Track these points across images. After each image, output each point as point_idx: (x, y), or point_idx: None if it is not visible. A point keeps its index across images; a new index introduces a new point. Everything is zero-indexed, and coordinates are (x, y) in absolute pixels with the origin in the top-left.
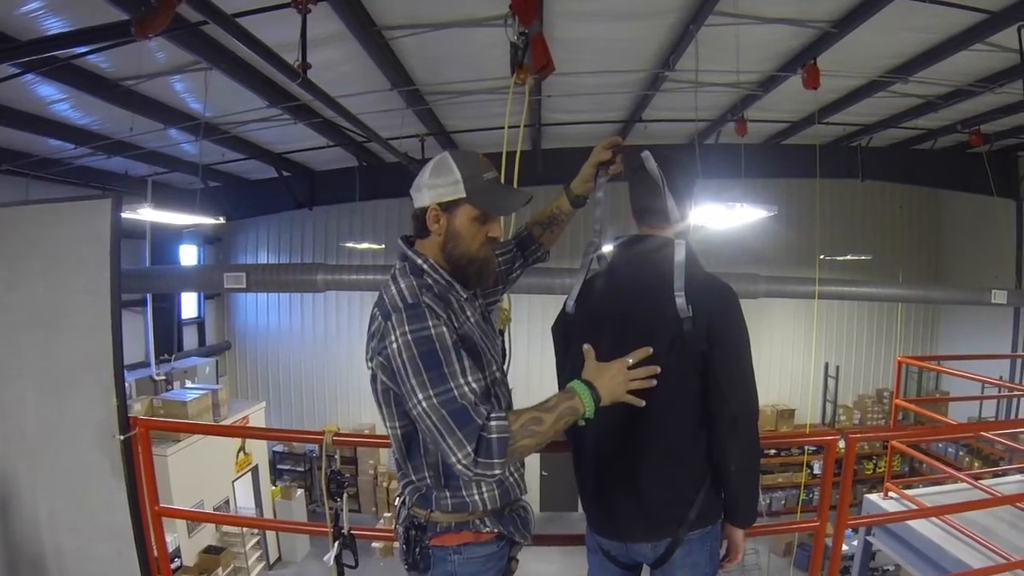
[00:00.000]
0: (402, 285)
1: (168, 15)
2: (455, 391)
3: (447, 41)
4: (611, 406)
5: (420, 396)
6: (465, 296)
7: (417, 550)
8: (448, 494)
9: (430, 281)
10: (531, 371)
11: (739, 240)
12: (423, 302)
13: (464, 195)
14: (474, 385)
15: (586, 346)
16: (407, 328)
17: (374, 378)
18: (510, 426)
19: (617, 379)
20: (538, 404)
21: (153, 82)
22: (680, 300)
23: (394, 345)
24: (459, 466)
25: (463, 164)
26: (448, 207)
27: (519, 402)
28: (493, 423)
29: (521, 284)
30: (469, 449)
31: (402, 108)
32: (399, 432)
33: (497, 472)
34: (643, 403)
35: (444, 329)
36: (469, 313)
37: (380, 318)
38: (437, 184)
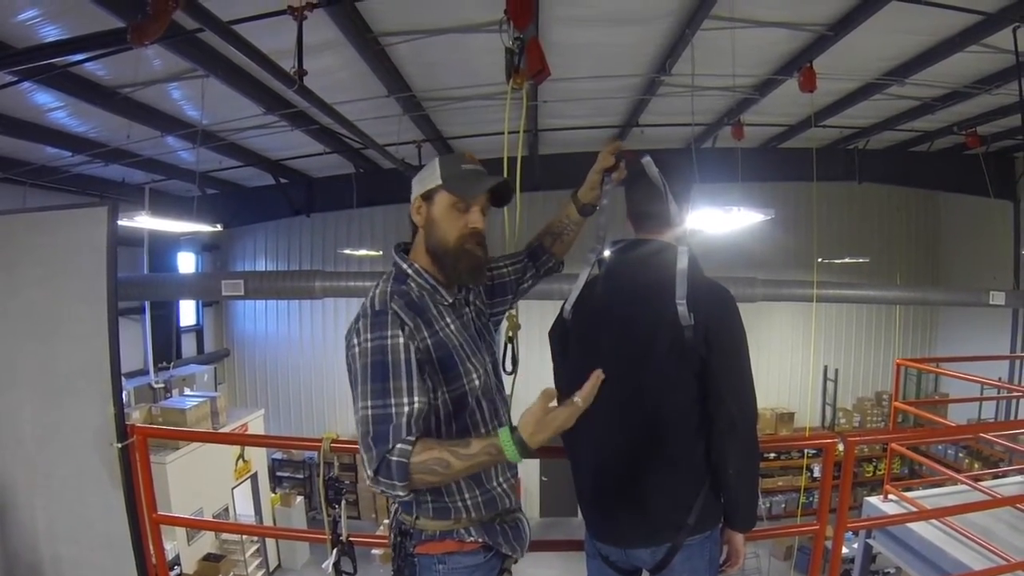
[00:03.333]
0: (376, 291)
1: (164, 22)
2: (392, 408)
3: (443, 47)
4: (609, 410)
5: (360, 404)
6: (449, 301)
7: (402, 557)
8: (430, 498)
9: (413, 285)
10: (529, 377)
11: (736, 244)
12: (390, 308)
13: (440, 182)
14: (416, 405)
15: (547, 389)
16: (368, 336)
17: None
18: (411, 456)
19: (536, 417)
20: (459, 443)
21: (150, 89)
22: (682, 308)
23: (355, 350)
24: (368, 480)
25: (446, 159)
26: (427, 196)
27: (515, 409)
28: (397, 447)
29: None
30: (374, 467)
31: (399, 114)
32: None
33: (400, 493)
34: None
35: (401, 341)
36: (449, 320)
37: (353, 321)
38: (421, 179)
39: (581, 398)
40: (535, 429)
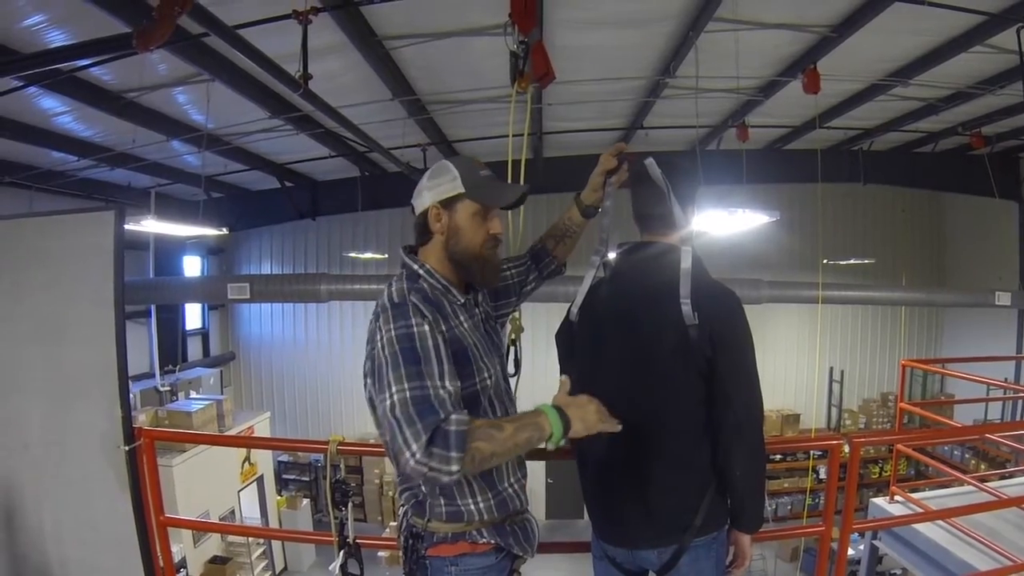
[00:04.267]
0: (393, 288)
1: (169, 27)
2: (430, 389)
3: (447, 51)
4: (616, 411)
5: (394, 389)
6: (462, 301)
7: (414, 560)
8: (443, 502)
9: (424, 285)
10: (535, 379)
11: (741, 246)
12: (409, 301)
13: (463, 190)
14: (449, 388)
15: (563, 377)
16: (392, 326)
17: (366, 385)
18: (470, 422)
19: (590, 409)
20: (511, 418)
21: (155, 94)
22: (687, 307)
23: (380, 342)
24: (412, 461)
25: (460, 164)
26: (448, 204)
27: (523, 409)
28: (454, 417)
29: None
30: (424, 439)
31: (403, 118)
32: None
33: (454, 468)
34: (618, 428)
35: (427, 328)
36: (463, 318)
37: (373, 318)
38: (436, 184)
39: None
40: (576, 406)
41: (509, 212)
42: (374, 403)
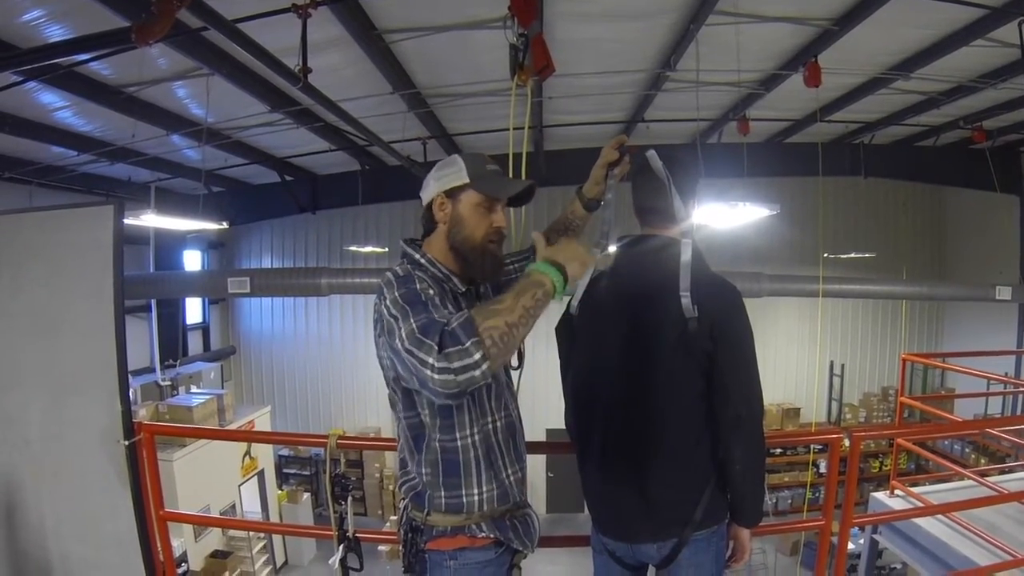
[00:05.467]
0: (397, 267)
1: (168, 22)
2: (434, 315)
3: (447, 44)
4: (616, 405)
5: (402, 326)
6: (462, 290)
7: (413, 553)
8: (444, 493)
9: (426, 276)
10: (536, 372)
11: (742, 239)
12: (413, 275)
13: (467, 180)
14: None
15: (534, 233)
16: (396, 291)
17: (383, 366)
18: (473, 313)
19: (575, 248)
20: (507, 293)
21: (155, 88)
22: (686, 300)
23: (386, 307)
24: (436, 375)
25: (467, 157)
26: (452, 194)
27: (524, 405)
28: (453, 317)
29: None
30: (435, 349)
31: (404, 111)
32: (405, 423)
33: (478, 356)
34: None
35: (431, 290)
36: (464, 306)
37: (375, 300)
38: (443, 175)
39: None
40: (559, 252)
41: (512, 208)
42: (398, 377)
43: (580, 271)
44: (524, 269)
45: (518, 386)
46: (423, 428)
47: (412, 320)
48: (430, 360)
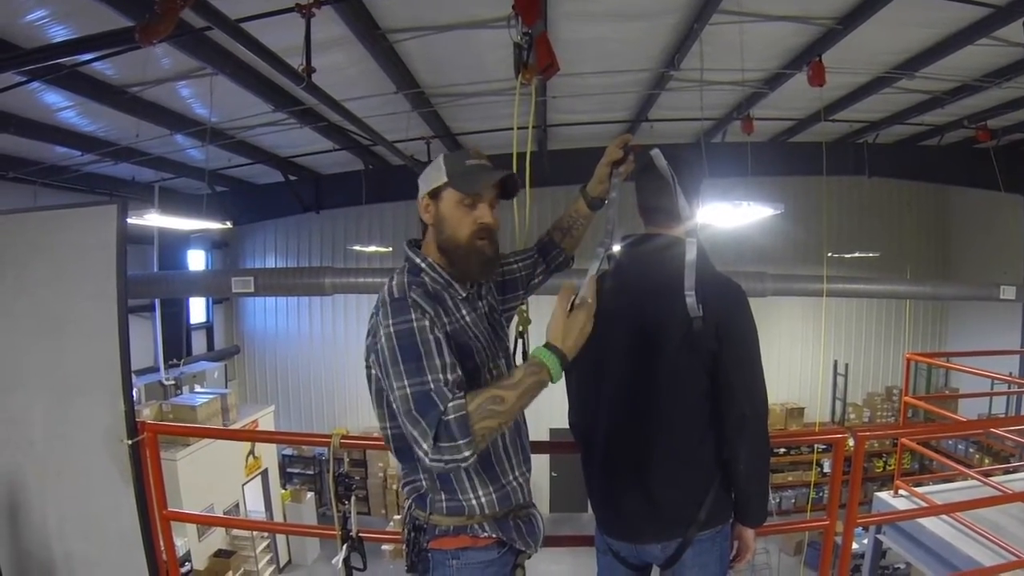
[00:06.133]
0: (394, 282)
1: (171, 21)
2: (430, 384)
3: (451, 43)
4: (620, 405)
5: (396, 386)
6: (463, 295)
7: (416, 552)
8: (444, 496)
9: (426, 279)
10: None
11: (746, 238)
12: (409, 297)
13: (446, 179)
14: (451, 377)
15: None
16: (391, 321)
17: (369, 378)
18: (467, 405)
19: (577, 328)
20: (501, 380)
21: (159, 88)
22: (691, 299)
23: (381, 339)
24: (427, 459)
25: (451, 156)
26: (434, 194)
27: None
28: (451, 405)
29: None
30: (431, 437)
31: (407, 111)
32: (390, 433)
33: (467, 455)
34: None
35: (427, 323)
36: (464, 312)
37: (373, 314)
38: (427, 177)
39: (587, 295)
40: (564, 334)
41: (514, 206)
42: (380, 391)
43: (576, 350)
44: (531, 269)
45: None
46: (404, 439)
47: (406, 383)
48: (424, 446)
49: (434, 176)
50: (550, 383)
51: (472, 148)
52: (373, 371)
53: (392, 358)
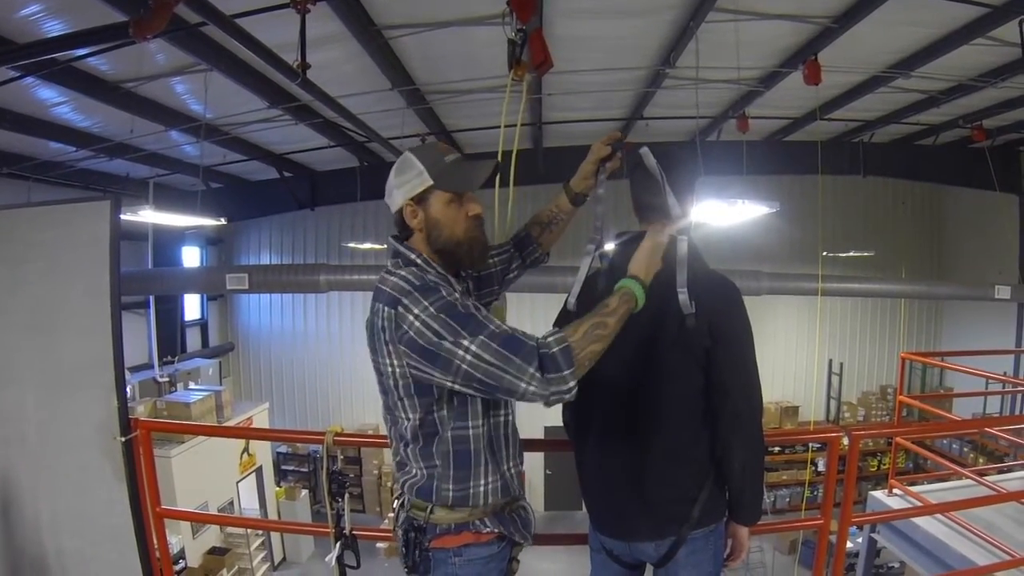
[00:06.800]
0: (401, 273)
1: (165, 17)
2: (498, 328)
3: (447, 40)
4: (614, 403)
5: (467, 344)
6: (458, 291)
7: (417, 553)
8: (451, 485)
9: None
10: None
11: (741, 237)
12: (429, 281)
13: (431, 182)
14: (505, 326)
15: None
16: (425, 303)
17: (391, 374)
18: (568, 337)
19: (656, 258)
20: (598, 309)
21: (153, 84)
22: (683, 296)
23: (416, 324)
24: (531, 391)
25: (423, 155)
26: (420, 199)
27: (519, 409)
28: (550, 339)
29: (522, 283)
30: (533, 369)
31: (402, 108)
32: (418, 422)
33: (572, 385)
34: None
35: (458, 295)
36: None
37: (386, 308)
38: (404, 181)
39: (661, 237)
40: (647, 268)
41: (496, 203)
42: (407, 384)
43: (658, 264)
44: (507, 264)
45: None
46: (436, 425)
47: (479, 335)
48: (525, 378)
49: (415, 181)
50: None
51: (438, 144)
52: (406, 363)
53: (449, 328)
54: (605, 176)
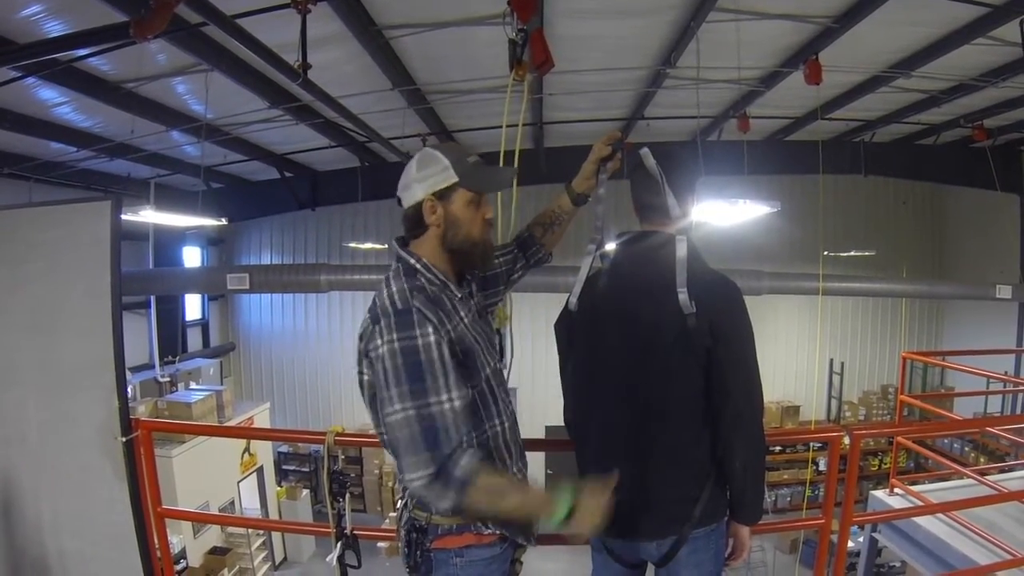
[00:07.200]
0: (393, 288)
1: (166, 17)
2: (434, 407)
3: (447, 40)
4: (615, 403)
5: (398, 406)
6: (459, 296)
7: (418, 553)
8: None
9: (423, 281)
10: (536, 370)
11: (742, 237)
12: (413, 307)
13: (456, 179)
14: (456, 403)
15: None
16: (394, 336)
17: (362, 384)
18: (479, 477)
19: (597, 513)
20: (520, 483)
21: (154, 84)
22: (683, 296)
23: (381, 350)
24: (414, 485)
25: (447, 152)
26: (442, 195)
27: (522, 401)
28: (463, 460)
29: (524, 283)
30: (430, 472)
31: (403, 108)
32: (386, 438)
33: (444, 507)
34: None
35: (432, 339)
36: (463, 314)
37: (370, 321)
38: (428, 175)
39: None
40: (584, 520)
41: (499, 204)
42: (374, 398)
43: (581, 529)
44: (511, 264)
45: (508, 379)
46: None
47: (411, 405)
48: (417, 473)
49: (440, 176)
50: (539, 521)
51: (458, 144)
52: (367, 378)
53: (395, 377)
54: (607, 176)
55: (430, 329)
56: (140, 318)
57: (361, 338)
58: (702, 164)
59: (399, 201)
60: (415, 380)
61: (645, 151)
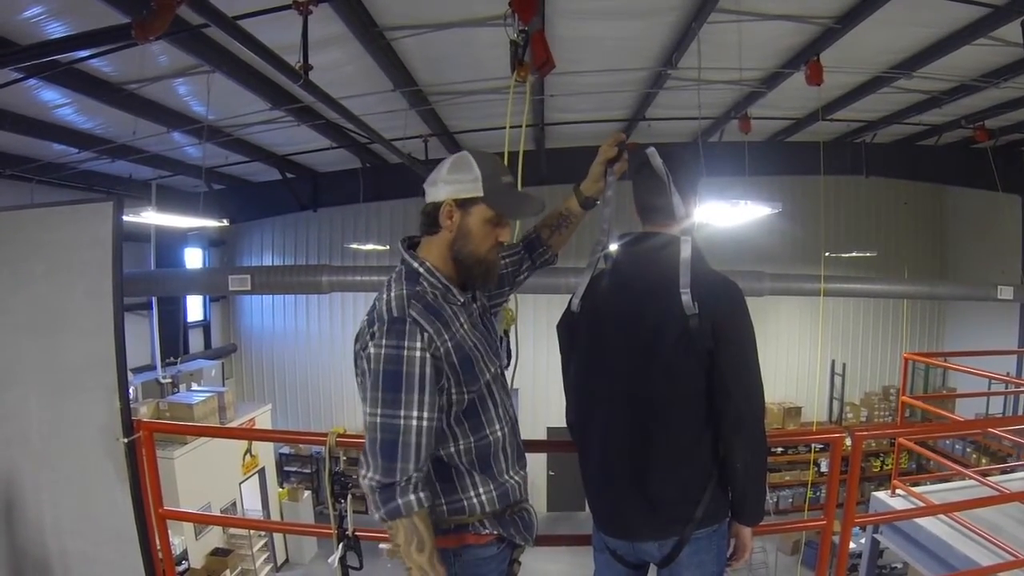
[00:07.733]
0: (392, 294)
1: (167, 18)
2: (401, 420)
3: (449, 41)
4: (617, 403)
5: (368, 410)
6: (461, 301)
7: None
8: (443, 500)
9: (426, 285)
10: (537, 370)
11: (744, 238)
12: (408, 316)
13: (481, 194)
14: (424, 422)
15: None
16: (383, 342)
17: (359, 384)
18: (414, 513)
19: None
20: (433, 547)
21: (156, 86)
22: (686, 297)
23: (370, 353)
24: (363, 480)
25: (483, 163)
26: (463, 204)
27: (523, 402)
28: (412, 495)
29: (527, 284)
30: (379, 479)
31: (405, 109)
32: None
33: (374, 514)
34: None
35: (418, 354)
36: (463, 320)
37: (366, 324)
38: (456, 180)
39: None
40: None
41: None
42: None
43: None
44: (517, 265)
45: (512, 382)
46: None
47: (379, 412)
48: (371, 474)
49: (467, 185)
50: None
51: (498, 158)
52: (360, 379)
53: (374, 381)
54: (615, 178)
55: (418, 344)
56: (142, 319)
57: (357, 339)
58: (703, 165)
59: (424, 193)
60: (389, 389)
61: (652, 150)
